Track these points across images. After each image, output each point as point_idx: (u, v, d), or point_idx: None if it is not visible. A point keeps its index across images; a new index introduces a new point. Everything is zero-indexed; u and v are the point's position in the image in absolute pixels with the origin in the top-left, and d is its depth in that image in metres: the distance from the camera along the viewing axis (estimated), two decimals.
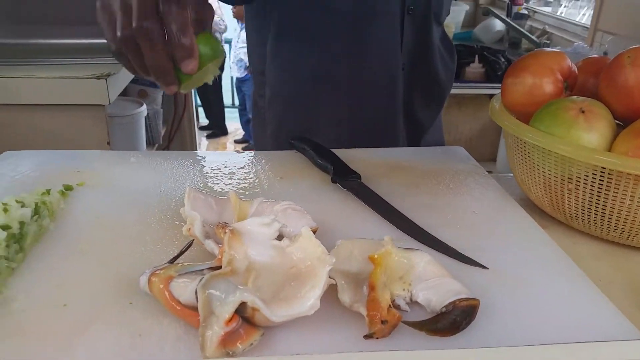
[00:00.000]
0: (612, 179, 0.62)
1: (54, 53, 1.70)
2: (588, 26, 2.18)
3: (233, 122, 5.83)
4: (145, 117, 2.54)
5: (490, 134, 1.80)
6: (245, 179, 0.80)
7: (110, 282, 0.55)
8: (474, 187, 0.79)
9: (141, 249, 0.61)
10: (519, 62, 0.75)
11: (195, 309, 0.48)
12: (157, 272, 0.51)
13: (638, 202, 0.61)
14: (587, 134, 0.63)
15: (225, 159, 0.87)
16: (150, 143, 2.73)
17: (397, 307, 0.51)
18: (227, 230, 0.52)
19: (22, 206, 0.61)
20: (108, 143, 1.69)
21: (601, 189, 0.63)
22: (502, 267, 0.58)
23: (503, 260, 0.60)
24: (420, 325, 0.48)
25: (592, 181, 0.64)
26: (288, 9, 1.00)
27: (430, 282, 0.53)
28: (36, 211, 0.62)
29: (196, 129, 3.33)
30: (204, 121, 5.88)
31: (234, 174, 0.82)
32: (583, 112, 0.64)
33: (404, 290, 0.52)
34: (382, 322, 0.47)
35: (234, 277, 0.48)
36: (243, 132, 5.63)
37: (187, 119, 3.15)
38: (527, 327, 0.49)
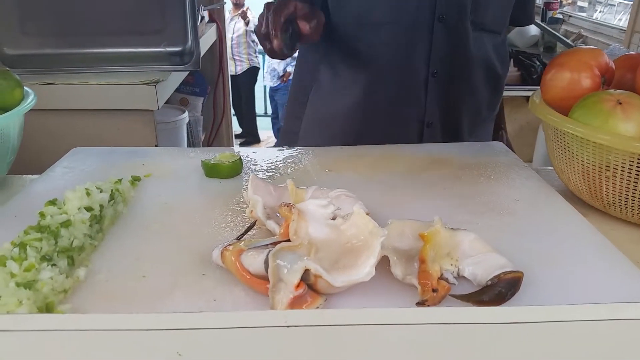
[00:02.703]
0: None
1: (105, 61, 1.79)
2: (624, 29, 2.19)
3: (265, 130, 5.93)
4: (187, 124, 2.63)
5: (527, 135, 1.82)
6: (296, 170, 0.85)
7: (183, 257, 0.61)
8: (515, 177, 0.82)
9: (208, 230, 0.67)
10: (557, 59, 0.79)
11: (263, 277, 0.53)
12: (228, 246, 0.56)
13: None
14: (624, 123, 0.67)
15: (276, 154, 0.93)
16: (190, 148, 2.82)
17: (446, 280, 0.56)
18: (293, 209, 0.57)
19: (101, 191, 0.67)
20: (156, 146, 1.77)
21: (638, 176, 0.67)
22: (544, 248, 0.62)
23: (545, 242, 0.63)
24: (467, 297, 0.53)
25: (629, 169, 0.67)
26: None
27: (476, 258, 0.57)
28: (112, 197, 0.69)
29: (233, 136, 3.42)
30: (237, 129, 6.00)
31: (287, 166, 0.87)
32: (620, 103, 0.68)
33: (451, 265, 0.57)
34: (433, 290, 0.52)
35: (299, 249, 0.54)
36: (275, 140, 5.72)
37: (225, 126, 3.24)
38: (570, 299, 0.53)
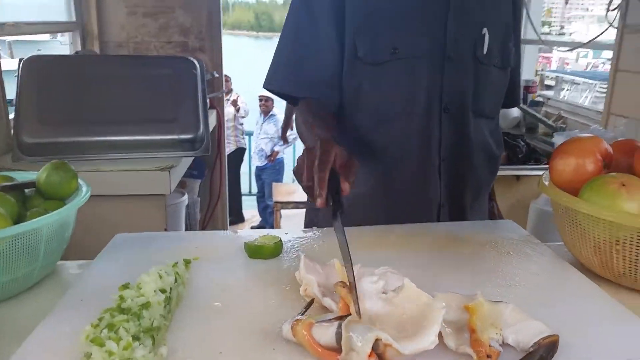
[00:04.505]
0: None
1: (118, 148, 1.86)
2: (600, 111, 2.38)
3: (250, 209, 5.99)
4: (186, 206, 2.70)
5: (518, 212, 1.93)
6: (330, 249, 0.92)
7: (251, 333, 0.67)
8: (530, 253, 0.91)
9: (265, 308, 0.73)
10: (563, 146, 0.90)
11: (333, 349, 0.60)
12: (297, 320, 0.63)
13: None
14: (629, 203, 0.77)
15: (307, 235, 1.00)
16: (187, 229, 2.88)
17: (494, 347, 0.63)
18: (351, 289, 0.64)
19: (168, 275, 0.74)
20: (165, 229, 1.83)
21: None
22: (569, 315, 0.70)
23: (569, 309, 0.71)
24: None
25: (637, 242, 0.76)
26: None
27: (517, 327, 0.64)
28: (176, 279, 0.75)
29: (227, 217, 3.50)
30: None
31: (321, 246, 0.95)
32: (624, 185, 0.78)
33: (496, 334, 0.64)
34: (488, 356, 0.59)
35: (365, 323, 0.60)
36: (260, 219, 5.79)
37: (220, 207, 3.32)
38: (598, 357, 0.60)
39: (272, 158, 5.60)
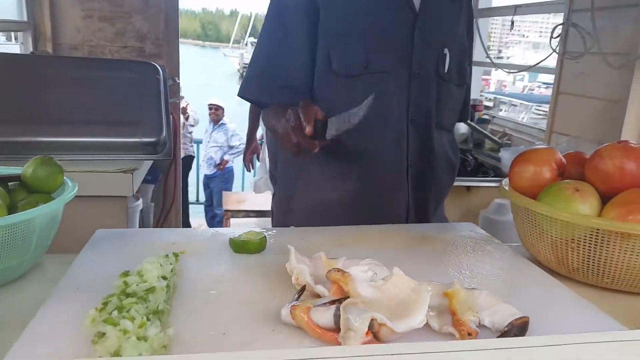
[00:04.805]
0: (604, 237, 0.84)
1: (80, 149, 1.85)
2: (542, 129, 2.56)
3: (196, 217, 5.94)
4: (140, 210, 2.68)
5: (468, 220, 2.05)
6: (310, 245, 0.98)
7: (250, 317, 0.71)
8: (493, 250, 1.00)
9: (259, 295, 0.78)
10: (522, 156, 1.00)
11: (330, 330, 0.65)
12: (295, 305, 0.68)
13: (624, 254, 0.84)
14: (583, 205, 0.87)
15: (289, 232, 1.05)
16: None
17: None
18: (345, 274, 0.70)
19: (166, 264, 0.77)
20: None
21: (597, 245, 0.86)
22: (533, 302, 0.78)
23: (533, 297, 0.80)
24: None
25: (589, 240, 0.86)
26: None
27: (491, 310, 0.72)
28: (172, 269, 0.78)
29: (181, 223, 3.48)
30: None
31: (302, 242, 1.00)
32: (578, 190, 0.88)
33: (473, 316, 0.71)
34: (469, 334, 0.66)
35: (360, 305, 0.66)
36: (207, 227, 5.75)
37: (174, 213, 3.31)
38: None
39: (221, 167, 5.59)
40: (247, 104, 1.99)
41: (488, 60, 2.81)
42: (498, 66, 2.95)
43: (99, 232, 1.04)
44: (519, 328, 0.69)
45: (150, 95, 2.04)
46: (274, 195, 1.46)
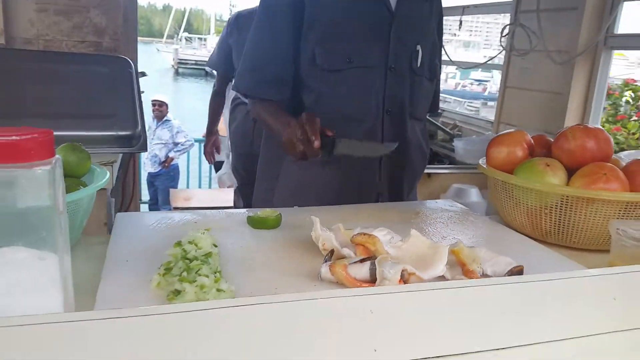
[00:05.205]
0: (572, 203, 1.01)
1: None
2: (491, 120, 2.80)
3: None
4: None
5: None
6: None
7: (291, 277, 0.83)
8: (474, 220, 1.16)
9: (293, 261, 0.89)
10: (497, 138, 1.16)
11: (366, 282, 0.78)
12: (332, 264, 0.80)
13: (589, 217, 1.01)
14: (553, 178, 1.03)
15: (295, 213, 1.17)
16: None
17: None
18: (372, 236, 0.83)
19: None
20: (105, 224, 1.87)
21: (566, 211, 1.03)
22: (519, 256, 0.94)
23: (516, 253, 0.95)
24: None
25: (560, 207, 1.03)
26: None
27: (492, 261, 0.87)
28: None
29: None
30: None
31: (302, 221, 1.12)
32: (548, 165, 1.05)
33: (478, 267, 0.86)
34: None
35: (390, 260, 0.80)
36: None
37: (134, 208, 3.32)
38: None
39: (166, 164, 5.45)
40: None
41: (448, 57, 3.01)
42: (455, 64, 3.17)
43: (120, 215, 1.11)
44: (517, 273, 0.84)
45: (124, 89, 2.08)
46: (237, 187, 1.57)
